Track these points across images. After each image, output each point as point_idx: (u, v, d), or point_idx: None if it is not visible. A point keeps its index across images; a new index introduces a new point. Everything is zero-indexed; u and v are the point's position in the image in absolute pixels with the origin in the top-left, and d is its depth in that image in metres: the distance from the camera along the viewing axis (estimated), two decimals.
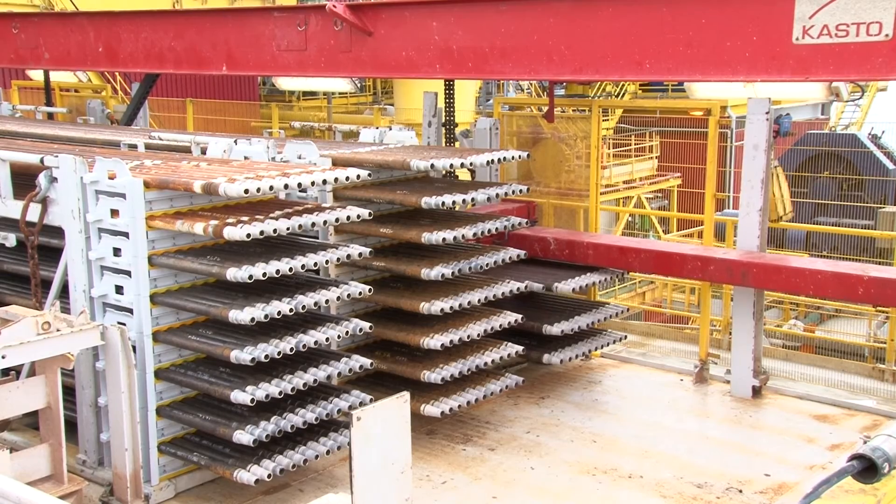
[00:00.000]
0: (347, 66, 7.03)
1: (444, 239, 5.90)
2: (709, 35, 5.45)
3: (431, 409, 5.86)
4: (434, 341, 5.82)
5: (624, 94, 24.28)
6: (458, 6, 6.40)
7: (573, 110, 9.34)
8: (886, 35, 4.91)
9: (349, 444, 3.14)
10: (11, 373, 5.31)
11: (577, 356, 7.15)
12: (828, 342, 12.42)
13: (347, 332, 5.35)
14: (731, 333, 7.32)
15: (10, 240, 5.89)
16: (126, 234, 5.15)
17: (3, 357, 4.58)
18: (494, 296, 6.22)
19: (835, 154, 19.12)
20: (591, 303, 7.77)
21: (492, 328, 6.19)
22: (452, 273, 5.96)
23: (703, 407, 6.95)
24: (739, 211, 6.99)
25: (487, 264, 6.27)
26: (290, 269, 5.01)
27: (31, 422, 5.48)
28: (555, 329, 6.93)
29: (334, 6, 6.70)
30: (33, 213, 5.52)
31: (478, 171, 7.81)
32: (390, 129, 7.71)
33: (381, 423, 3.14)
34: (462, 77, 6.89)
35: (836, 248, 16.87)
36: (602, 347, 7.49)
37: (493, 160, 6.44)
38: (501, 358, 6.30)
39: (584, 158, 8.36)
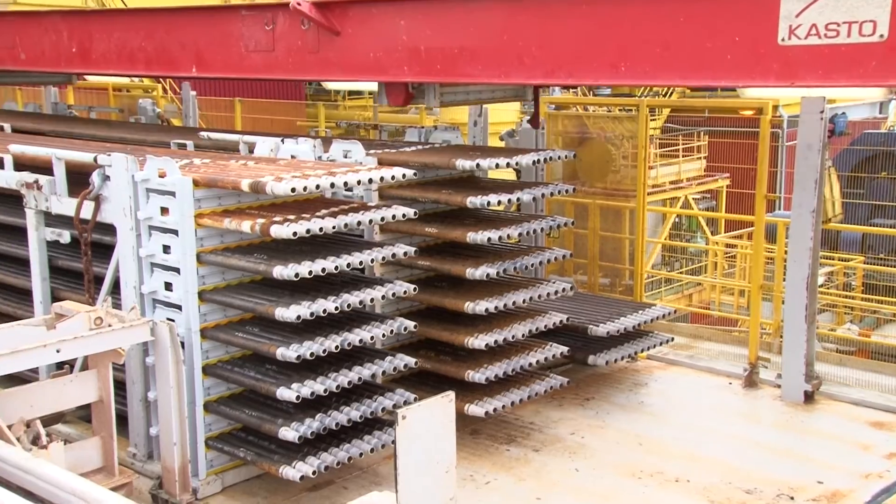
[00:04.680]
0: (315, 68, 6.52)
1: (488, 239, 5.89)
2: (687, 35, 4.94)
3: (475, 409, 5.85)
4: (478, 341, 5.82)
5: (672, 93, 24.03)
6: (425, 3, 5.92)
7: (619, 109, 9.26)
8: (881, 35, 4.39)
9: (394, 442, 3.15)
10: (65, 366, 5.43)
11: (622, 358, 7.09)
12: (884, 347, 12.14)
13: (392, 331, 5.37)
14: (781, 336, 7.19)
15: (65, 236, 6.01)
16: (175, 232, 5.23)
17: (58, 351, 4.68)
18: (539, 296, 6.20)
19: (893, 154, 18.68)
20: (638, 304, 7.70)
21: (536, 329, 6.17)
22: (497, 273, 5.95)
23: (753, 411, 6.84)
24: (791, 212, 6.87)
25: (532, 264, 6.25)
26: (336, 268, 5.04)
27: (83, 415, 5.59)
28: (600, 330, 6.87)
29: (298, 4, 6.17)
30: (87, 211, 5.63)
31: (523, 171, 7.79)
32: (436, 128, 7.73)
33: (427, 422, 3.14)
34: (430, 80, 6.32)
35: (895, 250, 16.47)
36: (648, 349, 7.41)
37: (538, 160, 6.41)
38: (546, 359, 6.27)
39: (631, 158, 8.30)
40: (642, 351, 7.34)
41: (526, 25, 5.50)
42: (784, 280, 7.23)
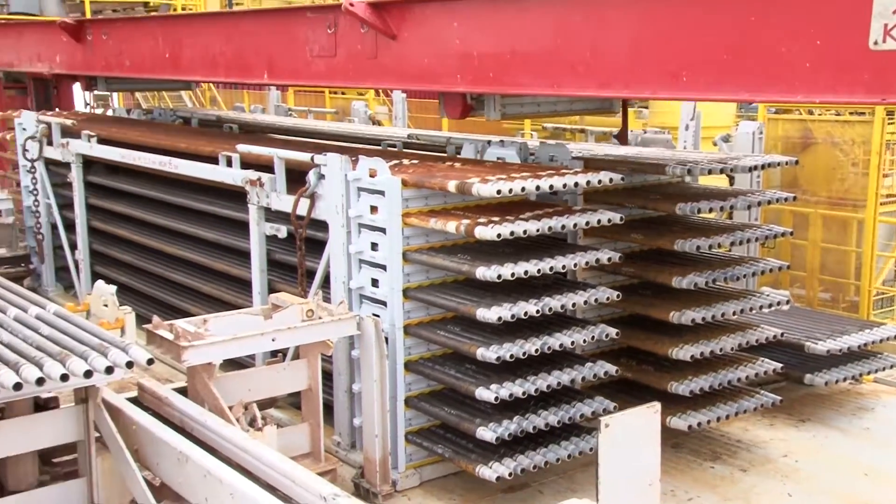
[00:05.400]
0: (373, 75, 6.07)
1: (697, 247, 5.64)
2: (758, 37, 4.10)
3: (678, 422, 5.62)
4: (683, 352, 5.59)
5: None
6: (479, 3, 5.36)
7: (850, 113, 8.60)
8: None
9: (595, 450, 3.06)
10: (279, 354, 5.74)
11: (845, 379, 6.58)
12: None
13: (593, 337, 5.26)
14: None
15: (283, 231, 6.35)
16: (383, 230, 5.38)
17: (273, 340, 4.96)
18: (751, 308, 5.86)
19: None
20: (864, 322, 7.13)
21: (747, 342, 5.84)
22: (706, 282, 5.68)
23: None
24: None
25: (744, 275, 5.92)
26: (539, 271, 5.00)
27: (293, 401, 5.88)
28: (820, 347, 6.42)
29: (351, 4, 5.69)
30: (302, 208, 5.92)
31: (737, 178, 7.41)
32: (645, 132, 7.52)
33: (630, 432, 3.04)
34: (482, 91, 5.69)
35: None
36: (876, 372, 6.83)
37: (756, 166, 6.06)
38: (757, 374, 5.92)
39: (862, 165, 7.68)
40: (868, 373, 6.78)
41: (578, 28, 4.86)
42: None
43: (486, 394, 4.93)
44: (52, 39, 9.86)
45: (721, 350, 5.71)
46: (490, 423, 5.00)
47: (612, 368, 5.36)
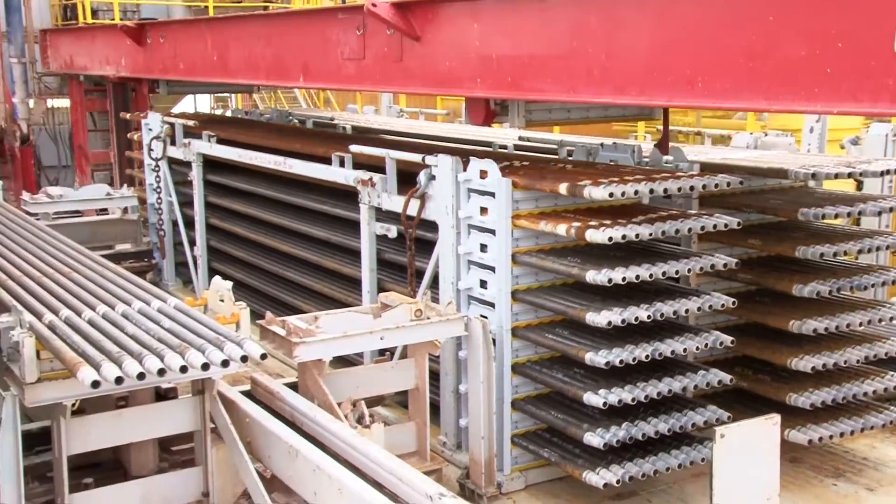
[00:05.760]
0: (399, 78, 5.78)
1: (821, 254, 5.40)
2: (777, 40, 3.72)
3: (797, 436, 5.39)
4: (804, 363, 5.35)
5: None
6: (500, 3, 5.06)
7: None
8: None
9: (708, 461, 2.96)
10: (387, 353, 5.80)
11: None
12: None
13: (707, 345, 5.11)
14: None
15: (392, 231, 6.41)
16: (493, 232, 5.36)
17: (381, 338, 5.01)
18: (879, 320, 5.57)
19: None
20: None
21: (874, 355, 5.56)
22: (829, 291, 5.43)
23: None
24: None
25: (872, 285, 5.63)
26: (651, 276, 4.89)
27: (399, 400, 5.93)
28: None
29: (374, 5, 5.41)
30: (412, 208, 5.96)
31: (867, 183, 7.07)
32: (765, 134, 7.26)
33: (747, 444, 2.92)
34: (501, 96, 5.34)
35: None
36: None
37: (888, 170, 5.76)
38: (885, 389, 5.62)
39: None
40: None
41: (594, 30, 4.51)
42: None
43: (594, 399, 4.85)
44: (118, 43, 9.95)
45: (846, 362, 5.45)
46: (598, 429, 4.92)
47: (725, 377, 5.19)
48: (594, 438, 4.87)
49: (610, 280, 4.79)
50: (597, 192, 4.88)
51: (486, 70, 5.12)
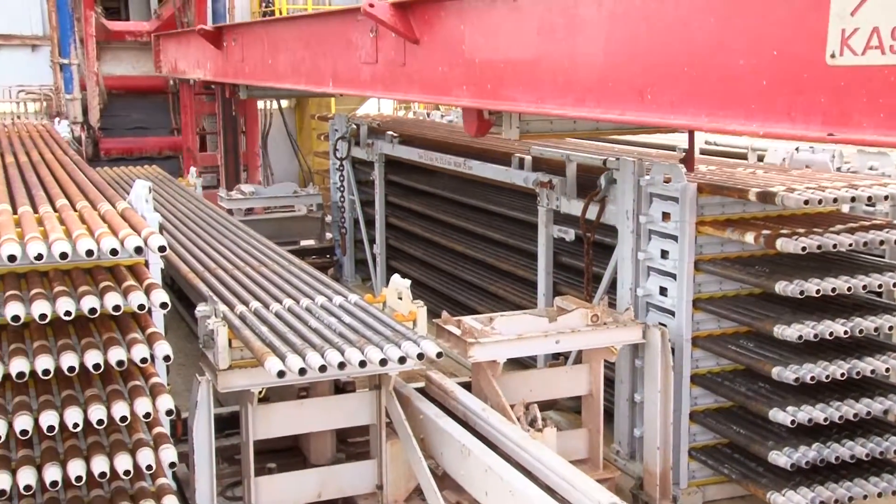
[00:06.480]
0: (402, 84, 5.35)
1: None
2: (719, 45, 3.17)
3: None
4: None
5: None
6: (484, 3, 4.54)
7: None
8: None
9: None
10: (560, 357, 5.72)
11: None
12: None
13: None
14: None
15: (570, 234, 6.33)
16: (675, 238, 5.18)
17: (557, 342, 4.95)
18: None
19: None
20: None
21: None
22: None
23: None
24: None
25: None
26: (849, 289, 4.56)
27: (572, 405, 5.84)
28: None
29: (371, 6, 4.97)
30: (591, 212, 5.85)
31: None
32: (797, 150, 6.60)
33: None
34: (481, 105, 4.84)
35: None
36: None
37: None
38: None
39: None
40: None
41: (558, 30, 4.00)
42: None
43: (781, 416, 4.59)
44: (205, 46, 9.87)
45: None
46: (785, 448, 4.65)
47: None
48: (781, 458, 4.60)
49: (802, 292, 4.52)
50: (791, 199, 4.62)
51: (470, 76, 4.73)
